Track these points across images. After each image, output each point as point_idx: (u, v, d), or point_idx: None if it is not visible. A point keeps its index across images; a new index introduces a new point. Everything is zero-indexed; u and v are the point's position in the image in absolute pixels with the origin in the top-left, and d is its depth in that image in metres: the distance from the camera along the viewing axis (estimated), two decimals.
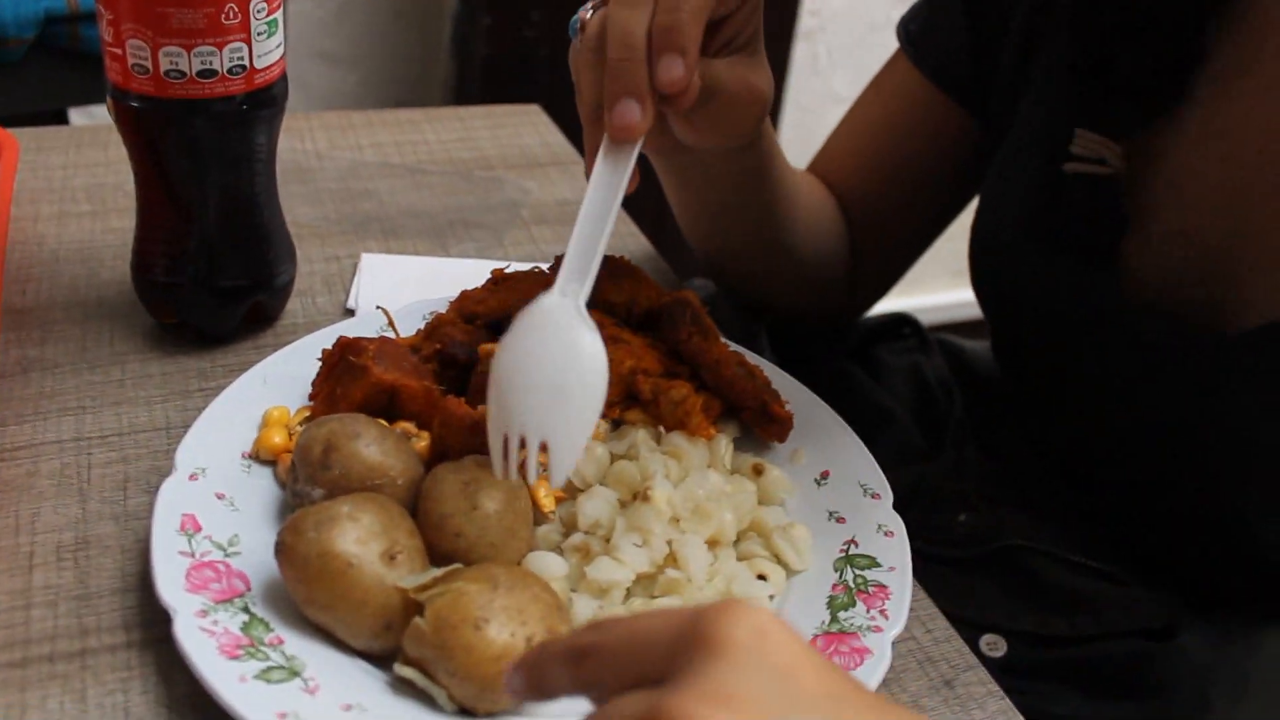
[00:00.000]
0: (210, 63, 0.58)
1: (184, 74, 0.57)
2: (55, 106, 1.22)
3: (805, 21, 1.96)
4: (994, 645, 0.67)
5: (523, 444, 0.48)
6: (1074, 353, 0.69)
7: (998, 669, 0.55)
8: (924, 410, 0.82)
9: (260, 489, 0.54)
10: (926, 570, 0.58)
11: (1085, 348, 0.68)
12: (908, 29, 0.77)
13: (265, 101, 0.61)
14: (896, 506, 0.56)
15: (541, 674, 0.37)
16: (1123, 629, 0.65)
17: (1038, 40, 0.70)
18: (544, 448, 0.48)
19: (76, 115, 1.35)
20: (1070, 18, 0.67)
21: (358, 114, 0.98)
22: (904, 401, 0.82)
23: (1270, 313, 0.59)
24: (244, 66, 0.59)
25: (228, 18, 0.57)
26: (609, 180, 0.52)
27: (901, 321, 0.89)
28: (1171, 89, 0.63)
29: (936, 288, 1.89)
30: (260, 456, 0.55)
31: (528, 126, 1.00)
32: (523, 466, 0.48)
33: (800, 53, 2.01)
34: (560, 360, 0.48)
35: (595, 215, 0.51)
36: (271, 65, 0.61)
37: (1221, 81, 0.62)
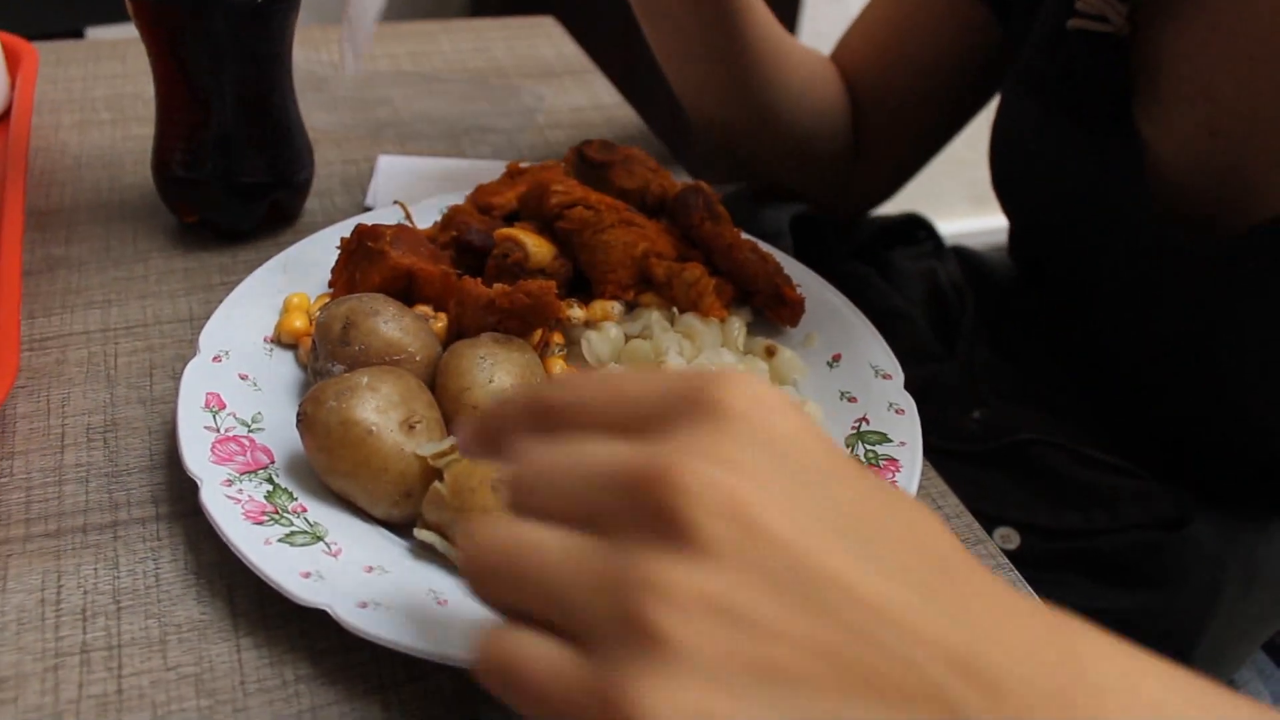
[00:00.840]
0: None
1: None
2: (71, 26, 1.22)
3: None
4: (1007, 538, 0.68)
5: None
6: (1092, 248, 0.69)
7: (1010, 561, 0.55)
8: (937, 313, 0.82)
9: (282, 371, 0.55)
10: (940, 466, 0.59)
11: (1104, 243, 0.68)
12: None
13: None
14: None
15: (495, 431, 0.33)
16: (1136, 522, 0.66)
17: None
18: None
19: (93, 34, 1.35)
20: None
21: None
22: (917, 304, 0.82)
23: None
24: None
25: None
26: None
27: (915, 224, 0.88)
28: None
29: (963, 212, 1.87)
30: (282, 340, 0.56)
31: (542, 37, 1.00)
32: None
33: None
34: None
35: None
36: None
37: None
